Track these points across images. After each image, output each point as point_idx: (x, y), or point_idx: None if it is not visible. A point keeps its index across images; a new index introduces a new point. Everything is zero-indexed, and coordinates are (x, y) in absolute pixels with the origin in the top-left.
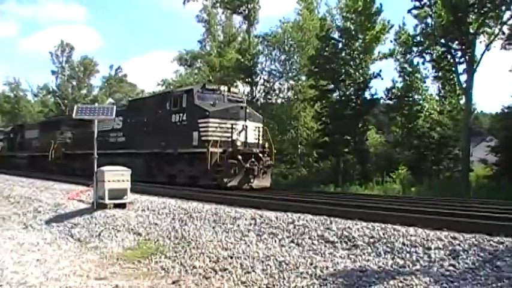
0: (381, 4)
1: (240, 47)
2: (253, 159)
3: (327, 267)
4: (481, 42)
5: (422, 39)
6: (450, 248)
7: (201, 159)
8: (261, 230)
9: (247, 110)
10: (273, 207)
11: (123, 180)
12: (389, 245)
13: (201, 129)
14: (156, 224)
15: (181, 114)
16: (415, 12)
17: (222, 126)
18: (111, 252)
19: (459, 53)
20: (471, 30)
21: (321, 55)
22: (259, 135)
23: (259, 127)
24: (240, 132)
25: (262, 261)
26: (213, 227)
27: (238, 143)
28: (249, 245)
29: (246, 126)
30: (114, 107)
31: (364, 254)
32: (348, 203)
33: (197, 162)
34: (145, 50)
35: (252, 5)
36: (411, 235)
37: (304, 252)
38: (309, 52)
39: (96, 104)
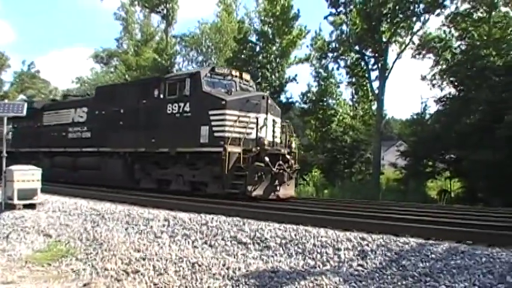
0: (298, 10)
1: (157, 47)
2: (280, 162)
3: (239, 268)
4: (393, 51)
5: (337, 46)
6: (359, 248)
7: (210, 160)
8: (174, 232)
9: (269, 101)
10: (187, 209)
11: (33, 180)
12: (300, 246)
13: (214, 123)
14: (67, 225)
15: (181, 104)
16: (331, 19)
17: (242, 120)
18: (20, 255)
19: (372, 60)
20: (384, 39)
21: (238, 58)
22: (280, 132)
23: (278, 122)
24: (261, 128)
25: (175, 263)
26: (126, 229)
27: (266, 142)
28: (162, 247)
29: (268, 120)
30: (25, 104)
31: (276, 255)
32: (260, 205)
33: (204, 164)
34: (62, 46)
35: (170, 5)
36: (322, 236)
37: (217, 254)
38: (227, 54)
39: (6, 101)
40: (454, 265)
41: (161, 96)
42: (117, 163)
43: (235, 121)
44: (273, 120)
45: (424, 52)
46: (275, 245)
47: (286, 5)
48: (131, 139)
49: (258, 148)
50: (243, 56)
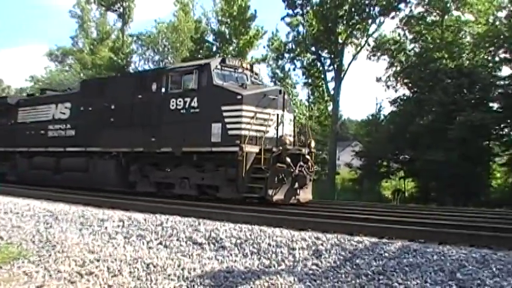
0: (255, 10)
1: (113, 46)
2: (301, 163)
3: (194, 269)
4: (348, 52)
5: (293, 47)
6: (314, 248)
7: (223, 162)
8: (128, 232)
9: (285, 96)
10: (142, 209)
11: None
12: (255, 245)
13: (228, 120)
14: (19, 226)
15: (187, 99)
16: (288, 20)
17: (260, 116)
18: None
19: (328, 61)
20: (340, 40)
21: (194, 57)
22: (292, 130)
23: (292, 119)
24: (278, 125)
25: (130, 264)
26: (80, 230)
27: (287, 141)
28: (116, 248)
29: (284, 117)
30: None
31: (231, 255)
32: (216, 205)
33: (214, 166)
34: (14, 44)
35: (127, 3)
36: (277, 236)
37: (172, 254)
38: (183, 54)
39: None
40: (407, 263)
41: (162, 90)
42: (108, 164)
43: (252, 118)
44: (290, 119)
45: (379, 54)
46: (230, 245)
47: (243, 5)
48: (125, 138)
49: (280, 148)
50: (199, 55)
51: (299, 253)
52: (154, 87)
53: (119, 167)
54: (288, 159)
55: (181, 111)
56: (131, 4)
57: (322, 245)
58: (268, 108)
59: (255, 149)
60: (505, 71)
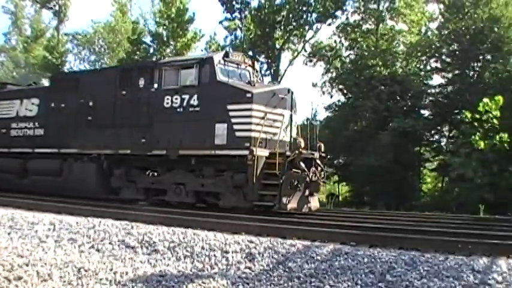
0: (193, 13)
1: (48, 44)
2: (314, 168)
3: (126, 273)
4: (285, 57)
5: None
6: (247, 251)
7: (227, 166)
8: (60, 236)
9: (293, 96)
10: (74, 212)
11: None
12: (189, 249)
13: (236, 121)
14: None
15: (186, 97)
16: (226, 23)
17: (269, 117)
18: None
19: (265, 66)
20: (277, 46)
21: (131, 59)
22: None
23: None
24: (286, 127)
25: (61, 268)
26: (9, 233)
27: (302, 145)
28: (46, 252)
29: (292, 118)
30: None
31: (164, 258)
32: (149, 208)
33: (215, 171)
34: None
35: (63, 1)
36: (210, 239)
37: (104, 258)
38: (120, 55)
39: None
40: (338, 266)
41: (155, 86)
42: (87, 168)
43: (262, 118)
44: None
45: (315, 60)
46: (163, 249)
47: (181, 7)
48: (108, 138)
49: (296, 152)
50: (136, 57)
51: (232, 256)
52: (141, 82)
53: (100, 171)
54: (303, 164)
55: (178, 109)
56: (67, 2)
57: (255, 248)
58: (278, 108)
59: (265, 152)
60: (436, 79)
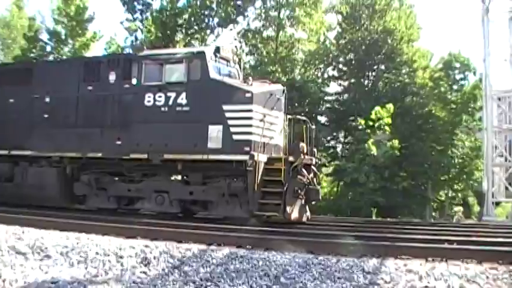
0: (94, 12)
1: None
2: (312, 175)
3: (16, 280)
4: None
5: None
6: (142, 255)
7: (220, 172)
8: None
9: (286, 96)
10: None
11: None
12: (83, 254)
13: (232, 122)
14: None
15: (172, 94)
16: (126, 24)
17: (268, 120)
18: None
19: None
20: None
21: (26, 56)
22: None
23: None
24: (281, 130)
25: None
26: None
27: (305, 150)
28: None
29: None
30: None
31: (56, 264)
32: (40, 212)
33: (203, 177)
34: None
35: None
36: (105, 244)
37: None
38: (15, 52)
39: None
40: (234, 269)
41: (132, 81)
42: (46, 173)
43: (261, 121)
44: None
45: None
46: (56, 254)
47: (81, 5)
48: (70, 140)
49: (303, 158)
50: (32, 54)
51: (127, 261)
52: (111, 77)
53: (61, 176)
54: (305, 171)
55: (163, 108)
56: None
57: (150, 252)
58: (275, 109)
59: (264, 157)
60: (333, 87)
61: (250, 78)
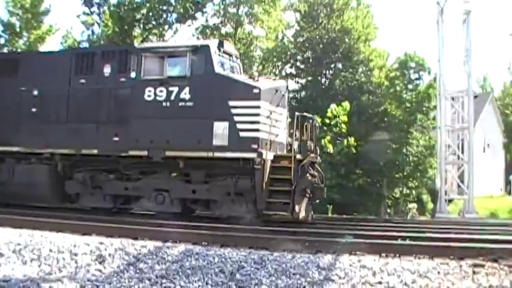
0: (50, 5)
1: None
2: (316, 172)
3: None
4: None
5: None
6: (97, 253)
7: (225, 170)
8: None
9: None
10: None
11: None
12: (36, 252)
13: (239, 119)
14: None
15: (174, 89)
16: (83, 18)
17: (274, 117)
18: None
19: None
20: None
21: None
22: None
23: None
24: (285, 127)
25: None
26: None
27: (312, 148)
28: None
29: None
30: None
31: (9, 262)
32: None
33: (206, 176)
34: None
35: None
36: (59, 241)
37: None
38: None
39: None
40: (189, 266)
41: (131, 75)
42: (36, 171)
43: (268, 117)
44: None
45: None
46: (8, 252)
47: None
48: (62, 136)
49: (312, 156)
50: None
51: (81, 258)
52: (106, 70)
53: (53, 174)
54: (311, 169)
55: (164, 103)
56: None
57: (105, 249)
58: (280, 106)
59: (271, 155)
60: (290, 85)
61: (255, 73)
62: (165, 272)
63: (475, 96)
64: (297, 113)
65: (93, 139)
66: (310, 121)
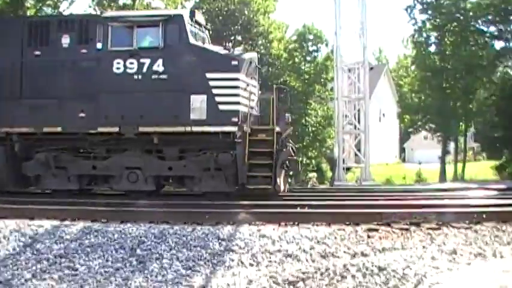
0: None
1: None
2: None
3: None
4: None
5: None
6: None
7: (203, 145)
8: None
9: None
10: None
11: None
12: None
13: (218, 92)
14: None
15: (146, 61)
16: None
17: (248, 89)
18: None
19: None
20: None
21: None
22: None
23: None
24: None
25: None
26: None
27: (289, 120)
28: None
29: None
30: None
31: None
32: None
33: (180, 151)
34: None
35: None
36: None
37: None
38: None
39: None
40: (88, 244)
41: (97, 45)
42: None
43: (245, 90)
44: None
45: None
46: None
47: None
48: (17, 113)
49: (291, 128)
50: None
51: None
52: (65, 40)
53: (10, 155)
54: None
55: (135, 76)
56: None
57: (0, 232)
58: (253, 78)
59: (248, 129)
60: None
61: (229, 44)
62: (63, 252)
63: (371, 68)
64: (275, 86)
65: (56, 116)
66: (285, 92)
